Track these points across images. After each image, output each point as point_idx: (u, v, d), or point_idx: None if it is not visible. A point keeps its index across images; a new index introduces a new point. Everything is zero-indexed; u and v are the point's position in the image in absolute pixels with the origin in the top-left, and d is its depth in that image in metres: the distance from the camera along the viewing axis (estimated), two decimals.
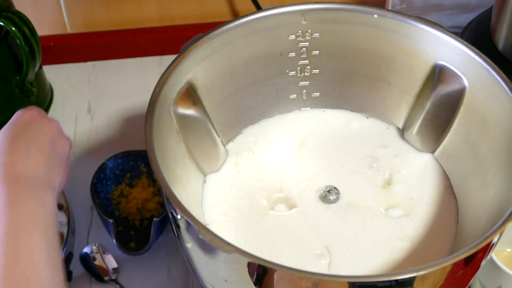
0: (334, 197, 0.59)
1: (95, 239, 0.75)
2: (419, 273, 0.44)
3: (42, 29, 0.88)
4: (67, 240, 0.69)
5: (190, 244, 0.52)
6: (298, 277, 0.45)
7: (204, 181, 0.61)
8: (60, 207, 0.71)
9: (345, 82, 0.65)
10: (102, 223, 0.73)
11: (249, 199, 0.59)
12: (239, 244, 0.46)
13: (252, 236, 0.57)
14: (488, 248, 0.48)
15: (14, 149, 0.53)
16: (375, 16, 0.61)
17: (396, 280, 0.44)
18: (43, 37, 0.89)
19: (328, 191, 0.59)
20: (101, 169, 0.75)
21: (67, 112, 0.87)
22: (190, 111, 0.59)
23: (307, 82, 0.65)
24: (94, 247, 0.71)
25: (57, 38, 0.93)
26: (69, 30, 0.94)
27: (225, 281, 0.52)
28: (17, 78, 0.79)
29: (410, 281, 0.44)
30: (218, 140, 0.62)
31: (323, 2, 0.61)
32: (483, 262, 0.50)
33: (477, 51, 0.58)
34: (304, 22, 0.62)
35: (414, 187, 0.61)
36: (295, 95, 0.66)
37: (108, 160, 0.75)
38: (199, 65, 0.59)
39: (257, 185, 0.60)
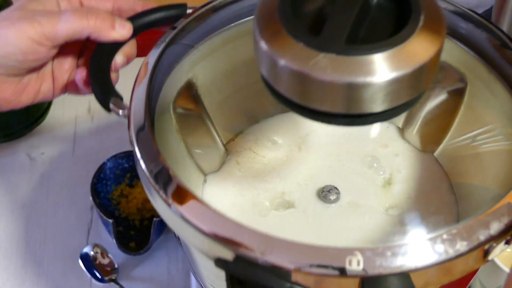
0: (335, 196, 0.59)
1: (95, 239, 0.75)
2: None
3: None
4: None
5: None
6: None
7: (205, 181, 0.61)
8: None
9: None
10: (102, 223, 0.73)
11: (250, 199, 0.59)
12: None
13: None
14: None
15: None
16: None
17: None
18: None
19: (328, 191, 0.59)
20: (101, 169, 0.75)
21: (67, 113, 0.87)
22: (190, 111, 0.59)
23: None
24: (94, 247, 0.71)
25: None
26: None
27: (226, 281, 0.52)
28: None
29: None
30: (218, 139, 0.62)
31: None
32: None
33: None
34: None
35: (414, 187, 0.61)
36: None
37: (108, 160, 0.75)
38: (199, 64, 0.59)
39: (257, 185, 0.61)
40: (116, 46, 0.55)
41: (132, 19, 0.56)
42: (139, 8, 0.57)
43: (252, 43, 0.44)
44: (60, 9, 0.54)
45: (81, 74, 0.55)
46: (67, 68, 0.56)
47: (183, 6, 0.58)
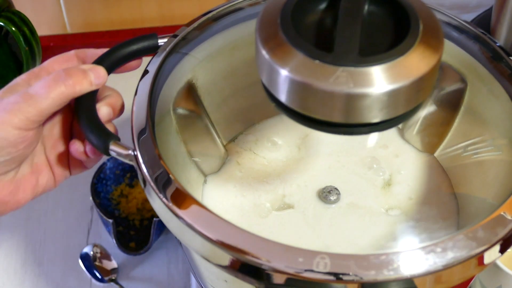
0: (335, 197, 0.59)
1: (95, 239, 0.75)
2: None
3: (42, 29, 0.88)
4: None
5: None
6: None
7: (205, 181, 0.61)
8: None
9: None
10: (102, 223, 0.73)
11: (250, 200, 0.59)
12: None
13: None
14: None
15: None
16: None
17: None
18: (43, 37, 0.89)
19: (329, 192, 0.59)
20: (101, 169, 0.75)
21: None
22: (190, 111, 0.59)
23: None
24: (94, 247, 0.72)
25: (57, 38, 0.93)
26: (69, 30, 0.94)
27: (225, 281, 0.52)
28: None
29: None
30: (218, 140, 0.62)
31: None
32: None
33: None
34: None
35: (414, 188, 0.60)
36: None
37: (108, 160, 0.75)
38: (199, 65, 0.59)
39: (257, 185, 0.61)
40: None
41: (105, 56, 0.54)
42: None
43: (252, 43, 0.44)
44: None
45: (74, 146, 0.52)
46: (63, 151, 0.54)
47: (153, 36, 0.56)
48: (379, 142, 0.64)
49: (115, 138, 0.49)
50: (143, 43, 0.55)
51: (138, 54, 0.56)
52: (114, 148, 0.49)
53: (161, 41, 0.56)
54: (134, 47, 0.55)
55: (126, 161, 0.49)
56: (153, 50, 0.56)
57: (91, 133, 0.49)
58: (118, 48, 0.55)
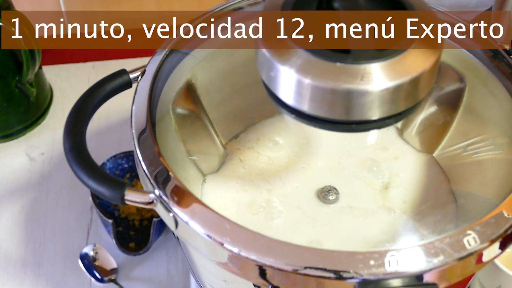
0: (334, 197, 0.59)
1: (95, 239, 0.75)
2: None
3: (42, 29, 0.88)
4: None
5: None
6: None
7: (204, 181, 0.61)
8: None
9: None
10: (102, 223, 0.73)
11: (249, 198, 0.59)
12: None
13: None
14: None
15: None
16: None
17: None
18: (43, 38, 0.89)
19: (328, 191, 0.59)
20: None
21: (67, 112, 0.87)
22: (189, 111, 0.59)
23: None
24: (94, 247, 0.72)
25: (57, 38, 0.93)
26: (69, 30, 0.94)
27: (225, 281, 0.52)
28: (17, 78, 0.79)
29: None
30: (217, 140, 0.62)
31: None
32: None
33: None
34: None
35: (413, 187, 0.60)
36: None
37: (108, 160, 0.75)
38: (199, 65, 0.59)
39: (257, 184, 0.61)
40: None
41: (82, 102, 0.52)
42: None
43: (252, 43, 0.44)
44: None
45: None
46: None
47: (123, 73, 0.54)
48: (379, 144, 0.64)
49: (128, 184, 0.46)
50: (114, 82, 0.54)
51: (114, 93, 0.54)
52: (131, 196, 0.46)
53: (132, 76, 0.55)
54: (108, 87, 0.53)
55: (146, 206, 0.47)
56: (127, 86, 0.54)
57: (102, 187, 0.46)
58: (93, 91, 0.53)
